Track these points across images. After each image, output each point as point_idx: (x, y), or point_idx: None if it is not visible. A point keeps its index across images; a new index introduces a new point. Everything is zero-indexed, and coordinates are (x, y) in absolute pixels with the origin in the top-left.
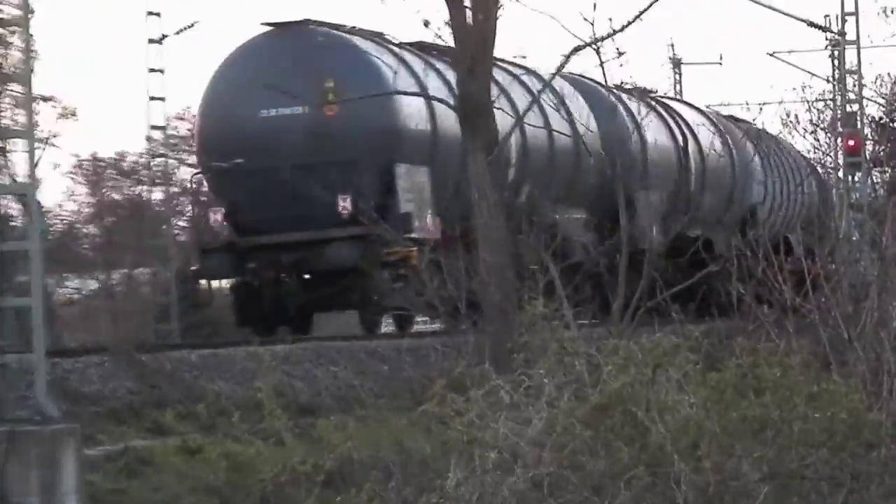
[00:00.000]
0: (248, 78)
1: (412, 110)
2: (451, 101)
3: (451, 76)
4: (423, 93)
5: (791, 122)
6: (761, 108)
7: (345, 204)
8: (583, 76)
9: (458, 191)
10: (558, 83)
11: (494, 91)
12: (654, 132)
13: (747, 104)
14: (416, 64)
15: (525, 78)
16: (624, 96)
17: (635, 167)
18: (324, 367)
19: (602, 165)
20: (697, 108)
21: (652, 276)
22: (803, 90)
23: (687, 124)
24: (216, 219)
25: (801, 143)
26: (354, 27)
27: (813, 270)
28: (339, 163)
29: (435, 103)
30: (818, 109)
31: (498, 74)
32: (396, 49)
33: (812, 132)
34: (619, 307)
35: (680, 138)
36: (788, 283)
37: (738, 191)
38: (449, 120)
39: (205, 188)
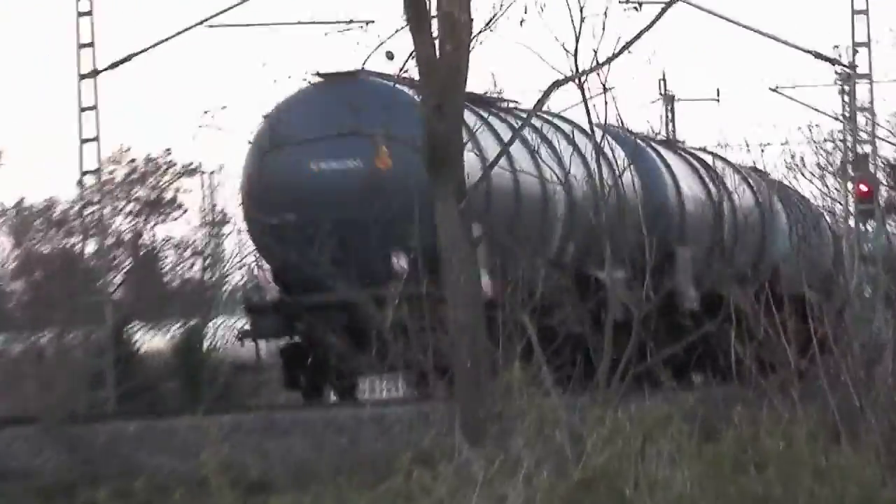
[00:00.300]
0: (297, 130)
1: (467, 163)
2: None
3: (501, 128)
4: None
5: (797, 164)
6: (763, 149)
7: (399, 261)
8: (618, 127)
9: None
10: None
11: (531, 138)
12: (688, 183)
13: (747, 144)
14: (469, 117)
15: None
16: (655, 145)
17: (673, 221)
18: (276, 440)
19: (640, 220)
20: (722, 157)
21: (641, 337)
22: (810, 129)
23: (717, 174)
24: (264, 277)
25: (807, 188)
26: (407, 76)
27: (821, 331)
28: (392, 219)
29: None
30: (826, 151)
31: (536, 121)
32: None
33: (820, 176)
34: (604, 372)
35: (713, 189)
36: (793, 345)
37: (767, 245)
38: (497, 171)
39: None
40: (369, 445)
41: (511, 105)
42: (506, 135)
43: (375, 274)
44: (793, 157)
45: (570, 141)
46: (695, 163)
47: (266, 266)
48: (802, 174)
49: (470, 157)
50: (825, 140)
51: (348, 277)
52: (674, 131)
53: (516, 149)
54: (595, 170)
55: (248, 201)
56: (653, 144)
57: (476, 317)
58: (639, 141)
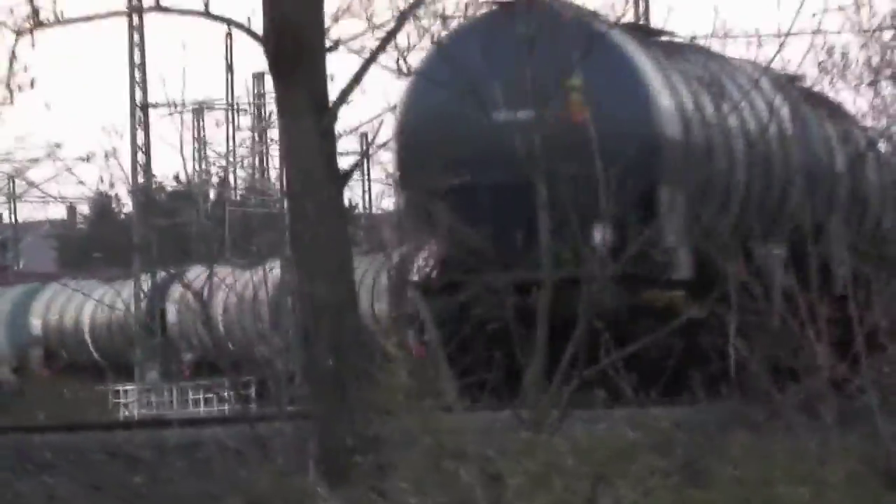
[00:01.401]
0: (470, 71)
1: (670, 115)
2: None
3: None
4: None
5: (835, 65)
6: (782, 44)
7: (600, 236)
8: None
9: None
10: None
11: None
12: (827, 132)
13: (757, 36)
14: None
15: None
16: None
17: (825, 183)
18: (32, 478)
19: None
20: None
21: (591, 326)
22: (857, 9)
23: (853, 123)
24: (435, 252)
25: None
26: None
27: (868, 319)
28: (590, 184)
29: (685, 105)
30: (883, 45)
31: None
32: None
33: (871, 82)
34: (534, 377)
35: (850, 145)
36: (825, 340)
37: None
38: (698, 127)
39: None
40: (176, 485)
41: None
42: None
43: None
44: (829, 53)
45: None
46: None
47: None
48: (843, 80)
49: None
50: (879, 28)
51: (533, 254)
52: (646, 11)
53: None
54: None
55: (405, 160)
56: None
57: (343, 291)
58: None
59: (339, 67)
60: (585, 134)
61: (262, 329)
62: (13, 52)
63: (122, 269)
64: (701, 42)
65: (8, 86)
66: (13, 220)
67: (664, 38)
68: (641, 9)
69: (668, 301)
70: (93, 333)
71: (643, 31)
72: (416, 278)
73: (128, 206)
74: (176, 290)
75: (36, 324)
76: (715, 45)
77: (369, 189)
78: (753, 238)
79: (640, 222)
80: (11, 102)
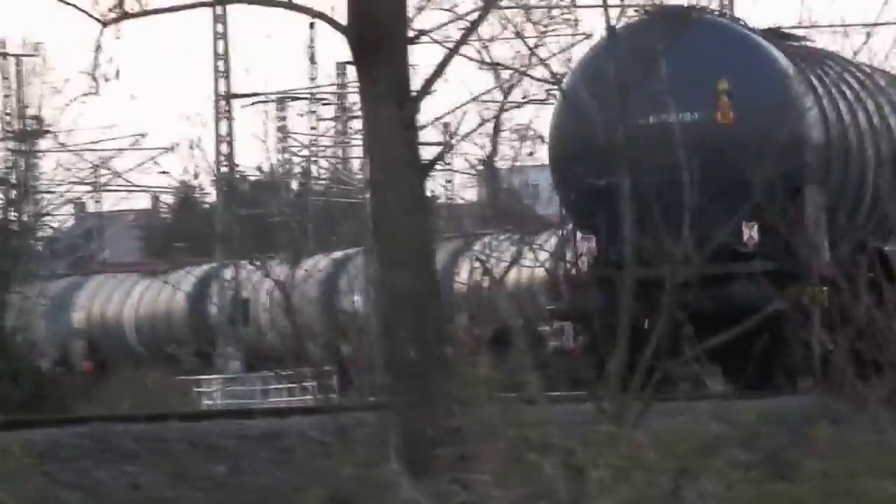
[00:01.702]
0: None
1: (813, 118)
2: None
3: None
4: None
5: None
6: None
7: (751, 233)
8: None
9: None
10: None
11: None
12: None
13: (843, 27)
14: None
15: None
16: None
17: None
18: (113, 467)
19: None
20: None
21: (675, 318)
22: None
23: None
24: (589, 248)
25: None
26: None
27: None
28: (738, 183)
29: (825, 107)
30: None
31: None
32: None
33: None
34: (617, 368)
35: None
36: None
37: None
38: (836, 129)
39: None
40: (259, 477)
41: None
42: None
43: (718, 247)
44: None
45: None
46: None
47: (590, 236)
48: None
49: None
50: None
51: (686, 250)
52: (731, 4)
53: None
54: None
55: (559, 160)
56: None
57: (425, 281)
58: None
59: (421, 58)
60: (733, 136)
61: (345, 320)
62: (98, 43)
63: (203, 258)
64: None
65: (93, 76)
66: (98, 209)
67: (796, 43)
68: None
69: (813, 296)
70: (136, 325)
71: (779, 35)
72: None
73: (211, 195)
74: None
75: (78, 316)
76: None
77: (451, 180)
78: (877, 236)
79: (786, 221)
80: (97, 93)
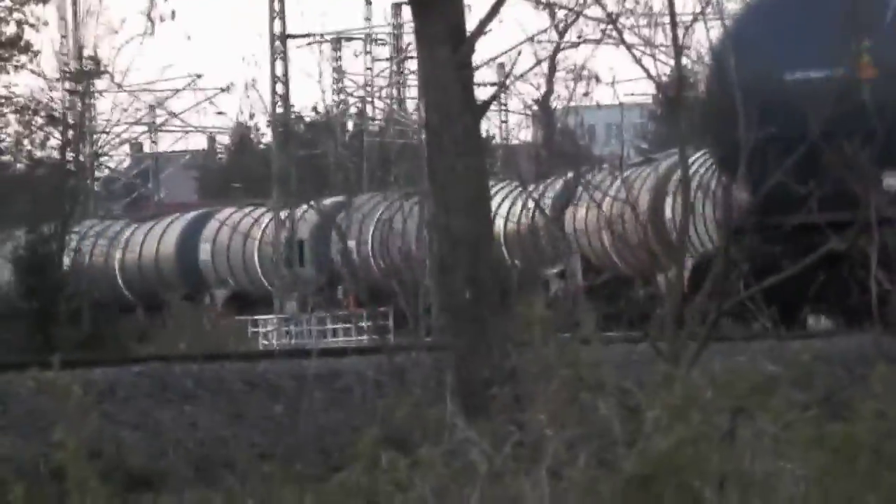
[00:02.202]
0: (769, 34)
1: None
2: None
3: None
4: None
5: None
6: None
7: (891, 181)
8: None
9: None
10: None
11: None
12: None
13: None
14: None
15: None
16: None
17: None
18: (173, 407)
19: None
20: None
21: (730, 259)
22: None
23: None
24: (742, 196)
25: None
26: None
27: None
28: (882, 135)
29: None
30: None
31: None
32: None
33: None
34: (672, 311)
35: None
36: None
37: None
38: None
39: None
40: (314, 417)
41: None
42: None
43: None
44: None
45: None
46: None
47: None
48: None
49: None
50: None
51: (829, 198)
52: None
53: None
54: None
55: (712, 113)
56: None
57: (481, 223)
58: None
59: None
60: (873, 91)
61: (400, 261)
62: None
63: (261, 199)
64: None
65: (149, 17)
66: (154, 150)
67: None
68: None
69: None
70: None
71: None
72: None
73: (267, 136)
74: (211, 227)
75: None
76: None
77: (506, 120)
78: None
79: None
80: (152, 34)
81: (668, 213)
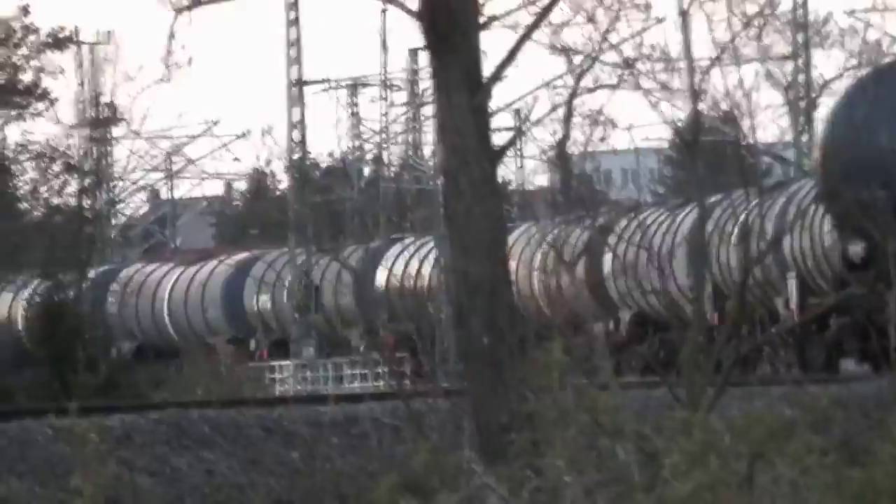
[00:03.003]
0: (882, 106)
1: None
2: None
3: None
4: None
5: None
6: None
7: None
8: None
9: None
10: None
11: None
12: None
13: None
14: None
15: None
16: None
17: None
18: (190, 454)
19: None
20: None
21: (745, 303)
22: None
23: None
24: (855, 251)
25: None
26: None
27: None
28: None
29: None
30: None
31: None
32: None
33: None
34: (691, 355)
35: None
36: None
37: None
38: None
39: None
40: (333, 463)
41: None
42: None
43: None
44: None
45: None
46: None
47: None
48: None
49: None
50: None
51: None
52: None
53: None
54: None
55: (828, 168)
56: None
57: (498, 268)
58: None
59: (492, 44)
60: None
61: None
62: (171, 31)
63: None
64: (860, 16)
65: (166, 64)
66: (171, 196)
67: None
68: None
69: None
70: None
71: None
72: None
73: (283, 182)
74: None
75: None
76: (874, 19)
77: (522, 166)
78: None
79: None
80: (169, 80)
81: (605, 268)
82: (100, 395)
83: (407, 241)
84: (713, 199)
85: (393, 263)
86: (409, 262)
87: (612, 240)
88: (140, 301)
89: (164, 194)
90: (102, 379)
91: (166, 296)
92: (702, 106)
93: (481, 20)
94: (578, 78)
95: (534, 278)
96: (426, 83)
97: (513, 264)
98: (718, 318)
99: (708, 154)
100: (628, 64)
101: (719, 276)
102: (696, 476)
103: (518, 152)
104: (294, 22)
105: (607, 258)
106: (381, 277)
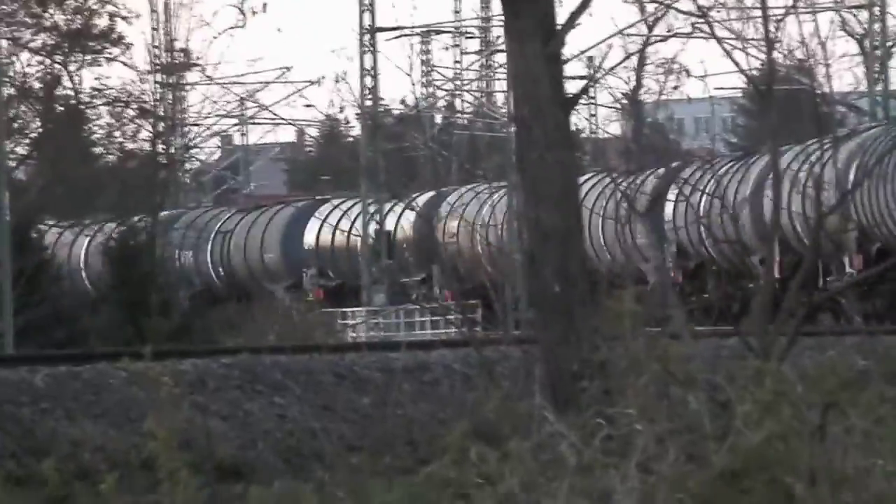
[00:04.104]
0: None
1: None
2: None
3: None
4: None
5: None
6: None
7: None
8: None
9: None
10: None
11: None
12: None
13: None
14: None
15: None
16: None
17: None
18: (262, 399)
19: None
20: None
21: (820, 248)
22: None
23: None
24: None
25: None
26: None
27: None
28: None
29: None
30: None
31: None
32: None
33: None
34: (762, 304)
35: None
36: None
37: None
38: None
39: None
40: (404, 410)
41: None
42: None
43: None
44: None
45: None
46: None
47: None
48: None
49: None
50: None
51: None
52: None
53: None
54: None
55: None
56: None
57: (570, 216)
58: None
59: None
60: None
61: (491, 254)
62: None
63: (348, 191)
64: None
65: (241, 9)
66: (244, 142)
67: None
68: None
69: None
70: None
71: None
72: None
73: (355, 129)
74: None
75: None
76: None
77: (595, 114)
78: None
79: None
80: (244, 26)
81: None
82: (172, 340)
83: (480, 187)
84: (786, 147)
85: (464, 210)
86: (482, 210)
87: (683, 189)
88: (199, 245)
89: (237, 140)
90: (175, 323)
91: (226, 240)
92: (776, 54)
93: None
94: (652, 26)
95: (605, 227)
96: (499, 30)
97: (584, 213)
98: (779, 269)
99: (782, 103)
100: (702, 12)
101: (790, 227)
102: (767, 425)
103: (591, 100)
104: None
105: (669, 207)
106: (451, 224)
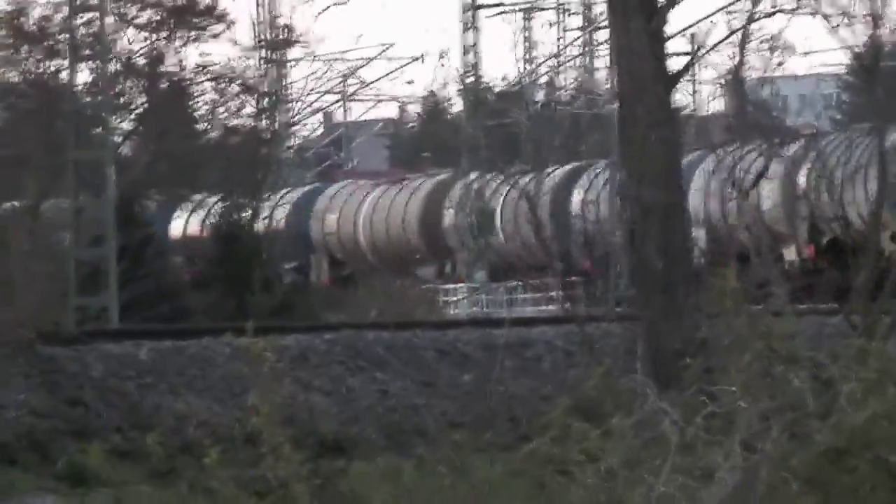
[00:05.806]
0: None
1: None
2: None
3: None
4: None
5: None
6: None
7: None
8: None
9: None
10: None
11: None
12: None
13: None
14: None
15: None
16: None
17: None
18: (364, 374)
19: None
20: None
21: None
22: None
23: None
24: None
25: None
26: None
27: None
28: None
29: None
30: None
31: None
32: None
33: None
34: (865, 283)
35: None
36: None
37: None
38: None
39: None
40: (506, 386)
41: None
42: None
43: None
44: None
45: None
46: None
47: None
48: None
49: None
50: None
51: None
52: None
53: None
54: None
55: None
56: None
57: (672, 193)
58: None
59: None
60: None
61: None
62: None
63: (449, 168)
64: None
65: None
66: (346, 118)
67: None
68: None
69: None
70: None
71: None
72: None
73: (457, 106)
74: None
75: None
76: None
77: (698, 91)
78: None
79: None
80: (346, 2)
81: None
82: (275, 316)
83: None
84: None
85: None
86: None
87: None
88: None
89: (339, 116)
90: (278, 299)
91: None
92: (882, 31)
93: None
94: (756, 2)
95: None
96: (601, 7)
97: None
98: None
99: (888, 80)
100: None
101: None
102: (872, 404)
103: (693, 77)
104: None
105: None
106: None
